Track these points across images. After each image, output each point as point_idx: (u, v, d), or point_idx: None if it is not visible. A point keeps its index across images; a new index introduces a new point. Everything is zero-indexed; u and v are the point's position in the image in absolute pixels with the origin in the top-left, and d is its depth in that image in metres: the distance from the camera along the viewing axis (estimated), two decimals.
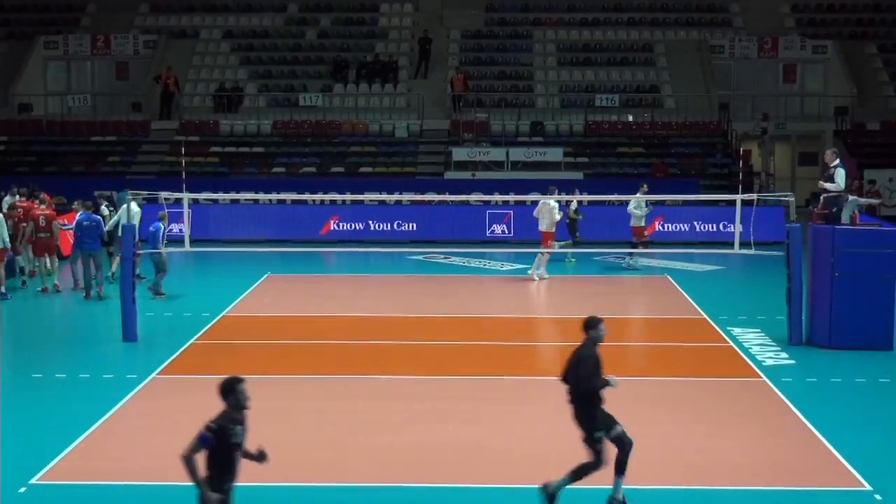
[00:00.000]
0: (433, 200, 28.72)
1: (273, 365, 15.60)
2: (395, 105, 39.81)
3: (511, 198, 28.77)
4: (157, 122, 38.95)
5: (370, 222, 30.15)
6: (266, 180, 34.56)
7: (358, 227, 30.11)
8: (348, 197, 29.54)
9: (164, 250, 20.43)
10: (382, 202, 29.88)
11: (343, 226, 30.11)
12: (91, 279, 20.94)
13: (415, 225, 29.90)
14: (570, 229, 25.61)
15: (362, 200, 29.64)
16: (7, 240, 20.71)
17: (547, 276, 23.30)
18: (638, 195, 24.05)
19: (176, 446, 12.21)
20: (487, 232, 29.91)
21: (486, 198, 29.27)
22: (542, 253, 23.10)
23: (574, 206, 25.13)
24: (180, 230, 23.45)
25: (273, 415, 13.01)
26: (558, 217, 23.42)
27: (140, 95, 40.14)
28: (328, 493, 10.44)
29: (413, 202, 29.27)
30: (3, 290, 20.61)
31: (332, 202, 30.32)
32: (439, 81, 40.73)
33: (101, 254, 21.19)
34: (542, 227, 23.38)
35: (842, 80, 40.26)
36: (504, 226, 29.96)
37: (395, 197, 28.67)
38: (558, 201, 23.15)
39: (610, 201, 28.42)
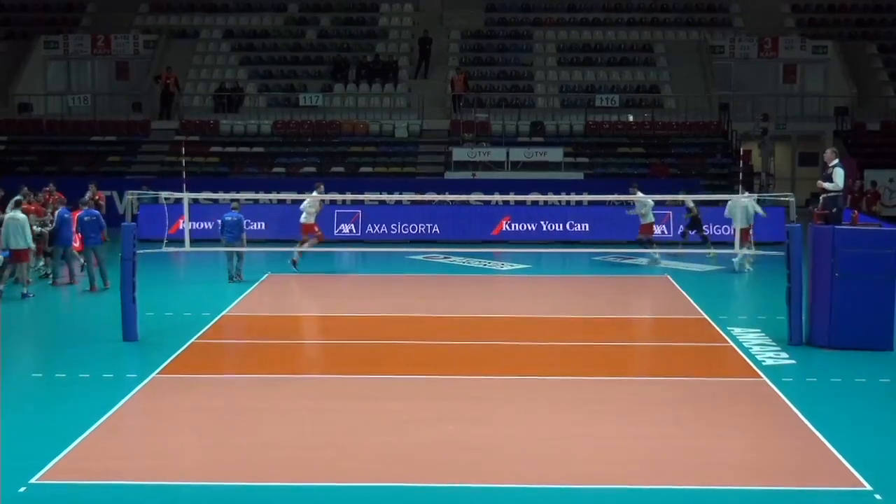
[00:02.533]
0: (433, 200, 28.75)
1: (273, 365, 15.59)
2: (395, 105, 39.83)
3: (511, 197, 28.79)
4: (157, 122, 38.98)
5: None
6: (266, 180, 34.58)
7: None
8: (349, 197, 29.51)
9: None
10: (383, 202, 29.90)
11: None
12: (93, 272, 21.61)
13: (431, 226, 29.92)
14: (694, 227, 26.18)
15: (362, 200, 29.64)
16: (30, 240, 20.90)
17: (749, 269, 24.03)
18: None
19: (176, 446, 12.27)
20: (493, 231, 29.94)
21: (487, 198, 29.28)
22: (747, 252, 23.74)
23: (690, 203, 25.47)
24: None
25: (273, 415, 13.02)
26: (752, 212, 23.77)
27: (140, 95, 40.16)
28: (328, 493, 10.44)
29: (413, 202, 29.33)
30: (25, 290, 20.94)
31: (332, 202, 30.33)
32: (439, 81, 40.75)
33: (103, 248, 21.78)
34: (736, 224, 23.62)
35: (842, 80, 40.27)
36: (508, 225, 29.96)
37: (395, 197, 28.69)
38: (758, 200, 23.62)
39: (610, 202, 28.49)
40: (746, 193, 23.54)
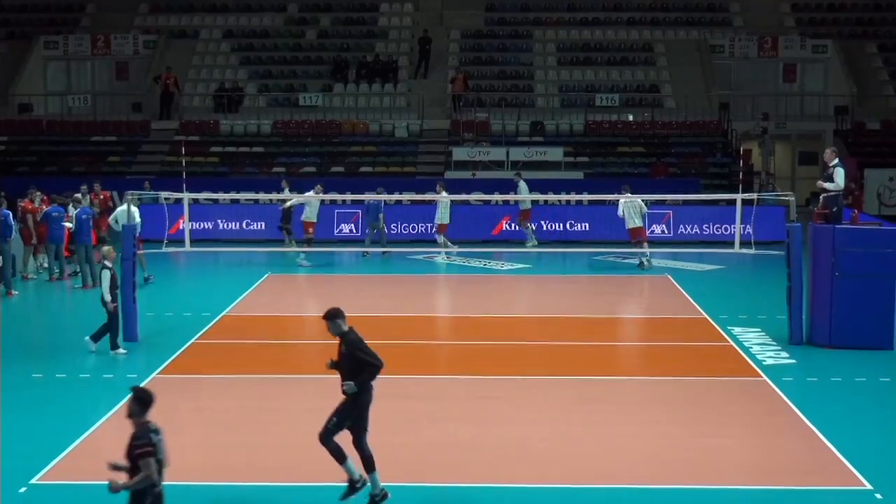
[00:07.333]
0: (433, 200, 28.71)
1: (273, 365, 15.59)
2: (395, 105, 39.82)
3: (511, 197, 28.77)
4: (157, 122, 38.96)
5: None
6: (266, 180, 34.55)
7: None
8: (349, 196, 29.53)
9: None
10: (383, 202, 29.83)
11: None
12: (86, 270, 22.01)
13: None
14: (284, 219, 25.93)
15: (362, 200, 29.58)
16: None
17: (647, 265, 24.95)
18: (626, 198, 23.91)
19: (175, 446, 12.23)
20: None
21: (487, 197, 29.27)
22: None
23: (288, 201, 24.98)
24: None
25: (273, 415, 13.02)
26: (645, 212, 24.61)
27: (140, 95, 40.16)
28: (329, 493, 10.43)
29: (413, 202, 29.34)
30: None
31: (332, 202, 30.30)
32: (439, 81, 40.74)
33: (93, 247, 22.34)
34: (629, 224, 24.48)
35: (842, 79, 40.26)
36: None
37: (395, 197, 28.67)
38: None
39: (609, 201, 28.47)
40: (628, 194, 23.60)
